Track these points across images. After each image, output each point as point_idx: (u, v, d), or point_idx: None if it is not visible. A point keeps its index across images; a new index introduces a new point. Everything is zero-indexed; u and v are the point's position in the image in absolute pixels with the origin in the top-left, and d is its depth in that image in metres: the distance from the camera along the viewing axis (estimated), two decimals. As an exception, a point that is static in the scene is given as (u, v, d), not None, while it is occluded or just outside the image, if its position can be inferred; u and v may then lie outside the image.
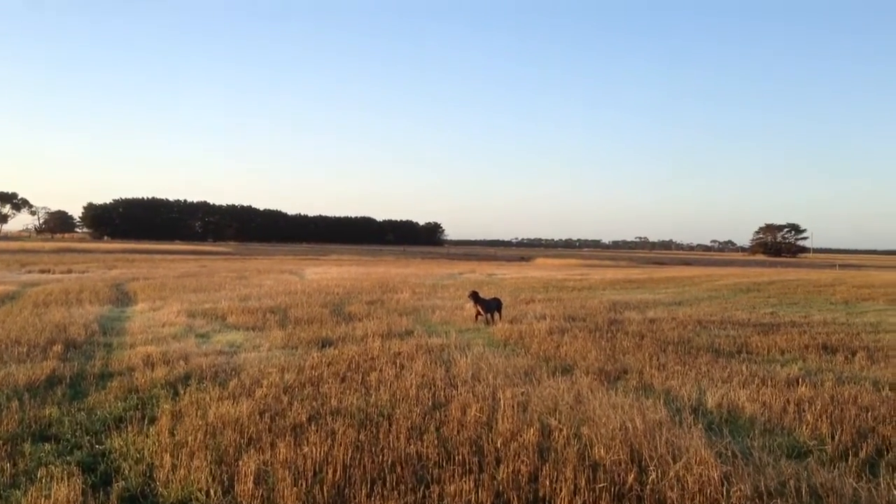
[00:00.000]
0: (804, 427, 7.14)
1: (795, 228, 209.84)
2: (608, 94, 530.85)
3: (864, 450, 6.39)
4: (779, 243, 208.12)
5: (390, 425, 6.97)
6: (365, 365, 10.26)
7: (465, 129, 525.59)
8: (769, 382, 9.32)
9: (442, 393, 8.40)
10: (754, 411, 7.79)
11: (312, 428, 6.85)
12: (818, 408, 7.77)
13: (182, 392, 8.45)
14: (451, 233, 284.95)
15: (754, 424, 7.35)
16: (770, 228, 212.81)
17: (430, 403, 7.93)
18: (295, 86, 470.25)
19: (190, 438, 6.54)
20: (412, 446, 6.32)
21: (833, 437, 6.75)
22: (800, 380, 9.50)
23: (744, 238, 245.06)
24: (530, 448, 6.32)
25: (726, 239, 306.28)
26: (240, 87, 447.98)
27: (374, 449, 6.25)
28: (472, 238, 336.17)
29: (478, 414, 7.33)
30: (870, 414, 7.55)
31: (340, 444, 6.27)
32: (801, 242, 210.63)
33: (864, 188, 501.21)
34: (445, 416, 7.38)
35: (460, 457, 6.05)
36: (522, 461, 5.95)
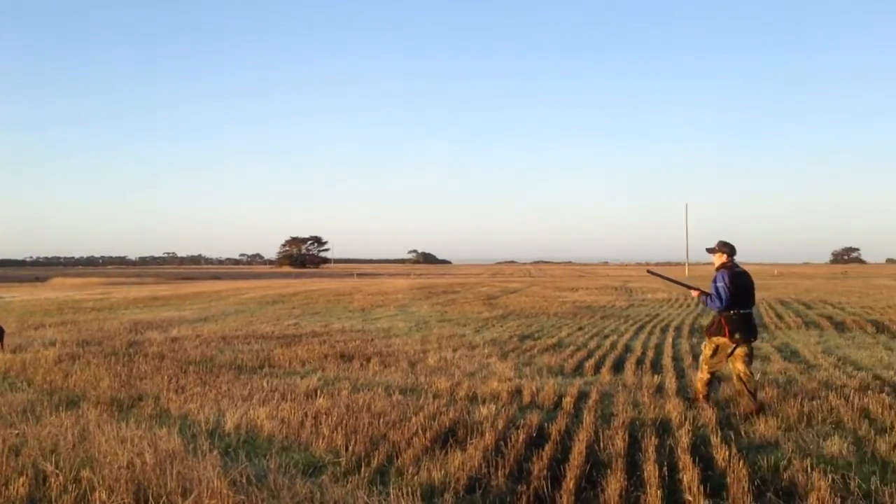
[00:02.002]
0: (321, 440, 7.10)
1: (318, 241, 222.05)
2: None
3: (377, 458, 6.49)
4: (304, 255, 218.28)
5: None
6: None
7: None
8: (289, 396, 9.26)
9: None
10: (273, 429, 7.58)
11: None
12: (334, 419, 7.82)
13: None
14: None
15: (273, 443, 7.13)
16: (295, 241, 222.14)
17: None
18: None
19: None
20: None
21: (348, 448, 6.77)
22: (318, 391, 9.60)
23: (271, 251, 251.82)
24: (18, 502, 5.34)
25: (255, 252, 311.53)
26: None
27: None
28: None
29: (-51, 470, 6.06)
30: (382, 420, 7.77)
31: None
32: (323, 254, 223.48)
33: (374, 201, 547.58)
34: None
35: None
36: (0, 524, 4.97)
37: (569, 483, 5.75)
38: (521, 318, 22.14)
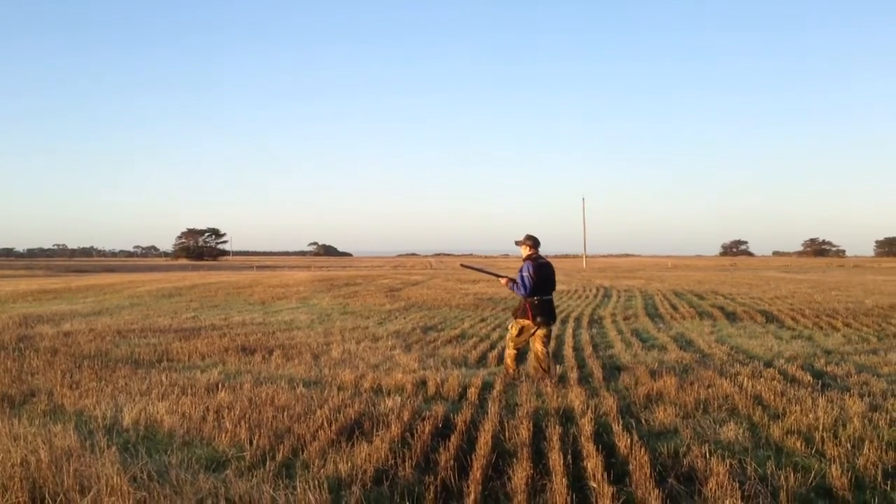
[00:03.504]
0: (224, 435, 6.94)
1: (216, 233, 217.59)
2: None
3: (282, 452, 6.40)
4: (201, 247, 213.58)
5: None
6: None
7: None
8: (189, 391, 9.02)
9: None
10: (173, 424, 7.38)
11: None
12: (237, 413, 7.68)
13: None
14: None
15: (173, 438, 6.95)
16: (192, 233, 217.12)
17: None
18: None
19: None
20: None
21: (252, 443, 6.65)
22: (219, 384, 9.39)
23: (167, 243, 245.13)
24: None
25: (149, 244, 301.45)
26: None
27: None
28: None
29: None
30: (286, 413, 7.66)
31: None
32: (221, 246, 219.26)
33: (283, 190, 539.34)
34: None
35: None
36: None
37: (476, 473, 5.80)
38: (423, 310, 22.18)
